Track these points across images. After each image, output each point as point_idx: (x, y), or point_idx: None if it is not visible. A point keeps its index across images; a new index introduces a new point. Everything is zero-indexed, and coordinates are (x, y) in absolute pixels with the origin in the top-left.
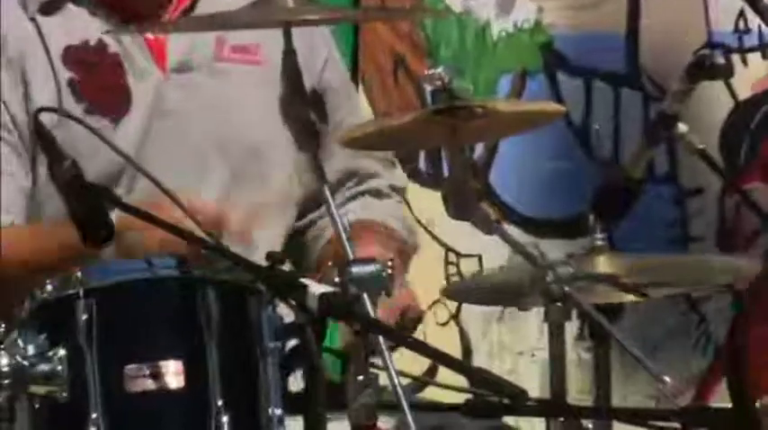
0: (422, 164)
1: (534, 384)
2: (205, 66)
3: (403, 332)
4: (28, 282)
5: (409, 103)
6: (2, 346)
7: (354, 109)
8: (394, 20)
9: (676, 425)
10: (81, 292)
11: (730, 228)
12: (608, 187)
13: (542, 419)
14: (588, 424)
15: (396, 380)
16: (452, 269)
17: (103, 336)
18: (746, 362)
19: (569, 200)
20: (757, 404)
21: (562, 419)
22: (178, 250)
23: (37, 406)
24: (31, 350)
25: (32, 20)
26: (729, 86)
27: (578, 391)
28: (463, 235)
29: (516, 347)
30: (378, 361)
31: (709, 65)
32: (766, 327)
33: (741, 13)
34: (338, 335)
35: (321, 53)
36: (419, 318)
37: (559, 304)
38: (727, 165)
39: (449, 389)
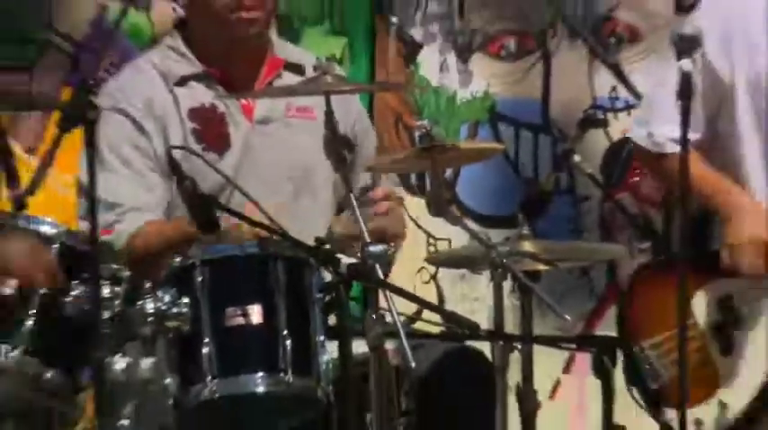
0: (413, 180)
1: (484, 321)
2: (279, 119)
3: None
4: (165, 257)
5: (405, 144)
6: (149, 297)
7: (372, 146)
8: (395, 91)
9: (573, 346)
10: (198, 262)
11: (607, 224)
12: (530, 197)
13: (488, 343)
14: (517, 346)
15: (396, 318)
16: (432, 247)
17: (212, 290)
18: (629, 311)
19: (506, 204)
20: (645, 344)
21: (501, 343)
22: (259, 237)
23: (170, 336)
24: (166, 299)
25: (171, 91)
26: (606, 133)
27: (512, 326)
28: (439, 226)
29: (473, 296)
30: (384, 305)
31: (593, 119)
32: (644, 293)
33: (614, 87)
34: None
35: (353, 112)
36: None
37: (500, 270)
38: (606, 182)
39: (430, 323)
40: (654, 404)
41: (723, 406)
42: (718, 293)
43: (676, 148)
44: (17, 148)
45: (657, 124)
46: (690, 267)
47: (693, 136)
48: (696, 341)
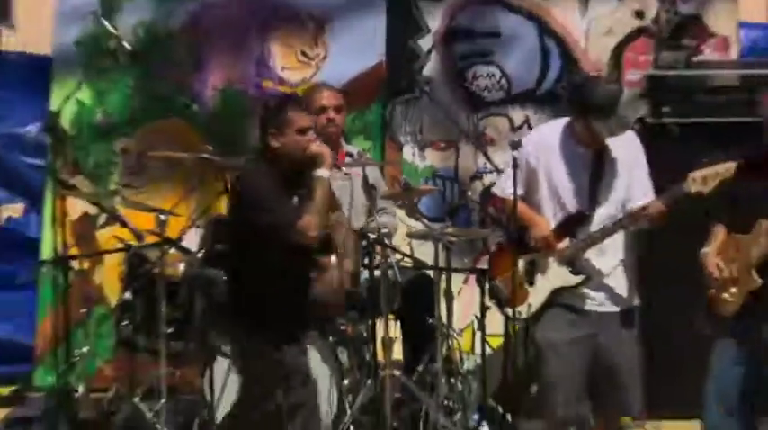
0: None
1: (431, 261)
2: (339, 176)
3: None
4: None
5: (397, 188)
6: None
7: (382, 189)
8: (394, 165)
9: (469, 271)
10: None
11: (485, 223)
12: (450, 209)
13: (432, 271)
14: (443, 271)
15: (393, 259)
16: (409, 231)
17: None
18: (492, 262)
19: (439, 212)
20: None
21: (439, 272)
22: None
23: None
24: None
25: None
26: (483, 184)
27: (444, 263)
28: (412, 222)
29: (427, 252)
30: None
31: (480, 176)
32: (499, 255)
33: (486, 162)
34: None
35: (376, 173)
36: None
37: (438, 240)
38: (482, 204)
39: (409, 262)
40: (499, 304)
41: (530, 305)
42: (529, 258)
43: (511, 196)
44: None
45: (505, 185)
46: (516, 245)
47: (520, 191)
48: (520, 278)
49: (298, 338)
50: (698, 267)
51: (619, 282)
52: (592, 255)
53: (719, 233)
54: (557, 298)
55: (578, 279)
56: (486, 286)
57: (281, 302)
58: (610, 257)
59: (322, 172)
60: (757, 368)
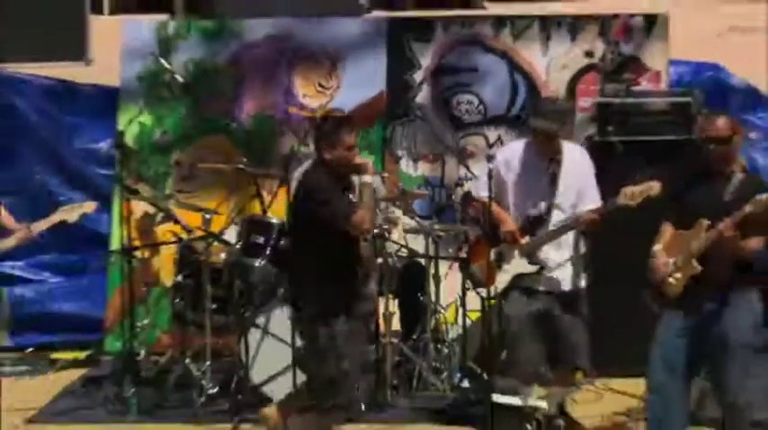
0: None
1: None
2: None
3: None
4: None
5: (397, 192)
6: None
7: (382, 193)
8: (392, 180)
9: (455, 259)
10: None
11: (466, 220)
12: (437, 209)
13: (424, 259)
14: (432, 259)
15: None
16: (405, 227)
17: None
18: (471, 253)
19: (429, 211)
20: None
21: (429, 259)
22: None
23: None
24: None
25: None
26: (463, 189)
27: (432, 251)
28: (408, 220)
29: (420, 242)
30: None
31: (462, 183)
32: (476, 245)
33: (467, 171)
34: None
35: (378, 180)
36: None
37: (429, 234)
38: (463, 205)
39: (404, 251)
40: (475, 284)
41: (496, 287)
42: (498, 249)
43: (486, 199)
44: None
45: (480, 190)
46: (489, 238)
47: (492, 195)
48: (491, 264)
49: (343, 312)
50: (647, 254)
51: (566, 272)
52: (549, 248)
53: (668, 230)
54: (517, 281)
55: (534, 268)
56: (466, 271)
57: (331, 281)
58: (564, 251)
59: (367, 178)
60: (698, 339)
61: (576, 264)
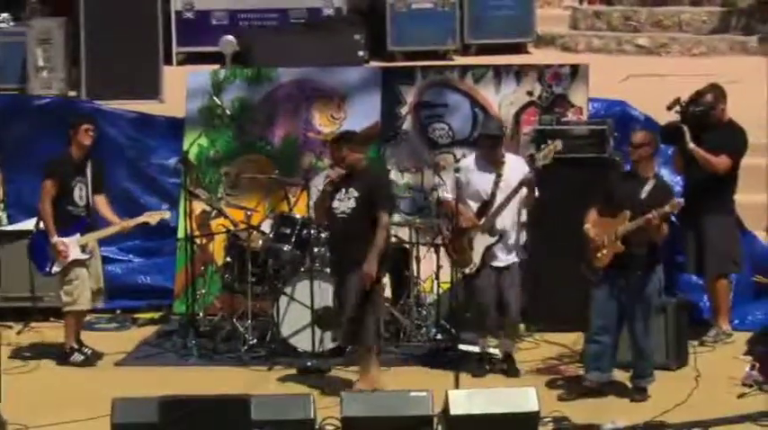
0: None
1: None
2: None
3: None
4: None
5: None
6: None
7: None
8: None
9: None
10: None
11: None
12: (418, 208)
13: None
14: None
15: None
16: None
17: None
18: (451, 241)
19: (413, 209)
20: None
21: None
22: None
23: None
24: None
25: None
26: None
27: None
28: (396, 216)
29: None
30: None
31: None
32: (453, 236)
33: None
34: None
35: None
36: None
37: (412, 227)
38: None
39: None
40: (460, 266)
41: (474, 264)
42: (467, 235)
43: (451, 200)
44: None
45: (445, 193)
46: (458, 229)
47: (454, 196)
48: (466, 246)
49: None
50: (579, 233)
51: (510, 242)
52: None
53: (592, 215)
54: (485, 258)
55: (494, 239)
56: (445, 255)
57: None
58: (508, 221)
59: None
60: (622, 301)
61: (518, 236)
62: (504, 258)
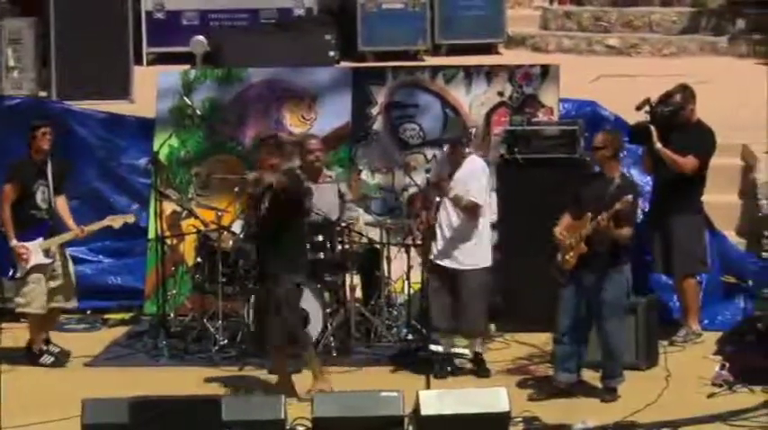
0: None
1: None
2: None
3: None
4: None
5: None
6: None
7: (349, 196)
8: None
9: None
10: None
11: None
12: (390, 209)
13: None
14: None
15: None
16: (365, 221)
17: None
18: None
19: (384, 209)
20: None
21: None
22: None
23: None
24: None
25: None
26: None
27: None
28: (368, 216)
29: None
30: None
31: None
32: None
33: None
34: None
35: (345, 187)
36: None
37: (383, 227)
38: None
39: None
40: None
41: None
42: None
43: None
44: None
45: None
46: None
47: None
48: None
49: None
50: (549, 234)
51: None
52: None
53: (566, 219)
54: (434, 260)
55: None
56: (416, 255)
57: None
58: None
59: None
60: (588, 301)
61: (466, 245)
62: (454, 262)
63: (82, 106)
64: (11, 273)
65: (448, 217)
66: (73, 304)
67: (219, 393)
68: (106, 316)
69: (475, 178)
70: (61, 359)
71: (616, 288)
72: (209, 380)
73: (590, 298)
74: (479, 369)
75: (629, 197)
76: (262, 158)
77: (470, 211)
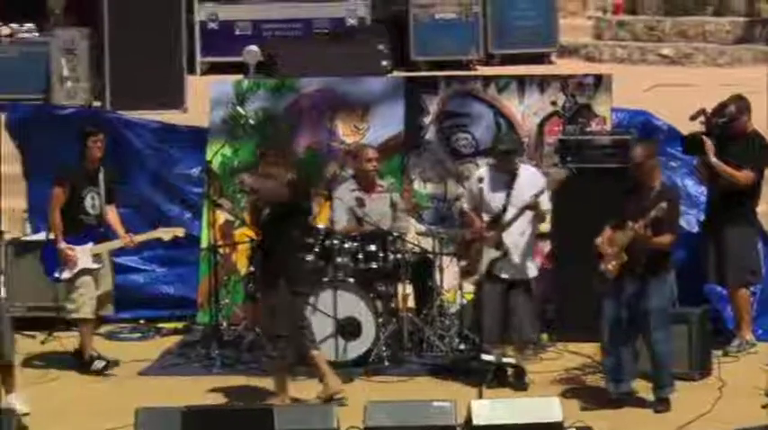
0: None
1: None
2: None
3: None
4: None
5: None
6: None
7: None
8: None
9: None
10: None
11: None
12: (441, 218)
13: None
14: None
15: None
16: (417, 230)
17: None
18: (464, 250)
19: (436, 219)
20: None
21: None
22: None
23: None
24: None
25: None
26: None
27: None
28: (420, 225)
29: None
30: None
31: None
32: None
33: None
34: None
35: (397, 196)
36: None
37: (435, 236)
38: None
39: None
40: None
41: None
42: (476, 246)
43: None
44: None
45: (465, 203)
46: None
47: (472, 205)
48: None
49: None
50: (593, 245)
51: (518, 257)
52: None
53: (607, 231)
54: (490, 271)
55: (499, 254)
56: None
57: None
58: (516, 237)
59: None
60: (632, 310)
61: (529, 257)
62: (511, 272)
63: (135, 116)
64: (56, 275)
65: (512, 228)
66: (109, 311)
67: (272, 403)
68: (159, 325)
69: (537, 185)
70: (111, 365)
71: (659, 296)
72: (261, 389)
73: (633, 307)
74: (516, 382)
75: (664, 204)
76: (260, 167)
77: (541, 219)
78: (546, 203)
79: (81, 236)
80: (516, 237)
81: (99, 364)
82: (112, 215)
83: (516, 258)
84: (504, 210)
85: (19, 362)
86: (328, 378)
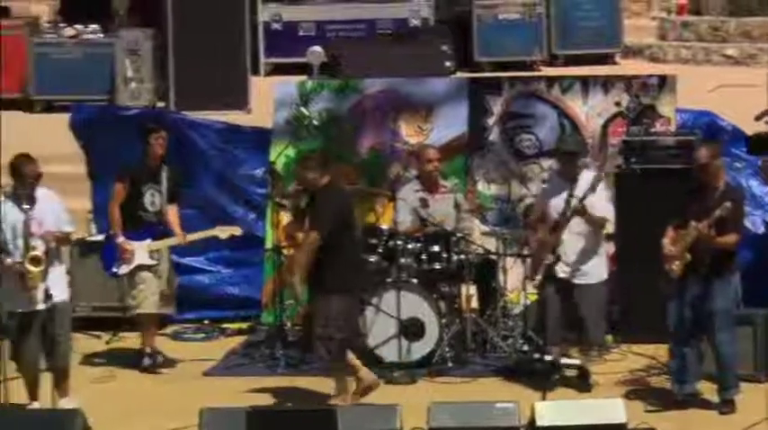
0: None
1: None
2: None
3: None
4: None
5: None
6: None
7: (465, 206)
8: None
9: None
10: None
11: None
12: (505, 219)
13: None
14: None
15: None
16: (481, 231)
17: None
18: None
19: (500, 220)
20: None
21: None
22: None
23: None
24: None
25: None
26: None
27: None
28: (483, 226)
29: None
30: None
31: None
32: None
33: None
34: None
35: (461, 197)
36: None
37: (499, 237)
38: None
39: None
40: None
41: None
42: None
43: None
44: None
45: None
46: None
47: (539, 209)
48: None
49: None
50: (659, 248)
51: (579, 260)
52: (570, 244)
53: (670, 231)
54: (546, 274)
55: (552, 259)
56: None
57: None
58: (573, 240)
59: None
60: (697, 311)
61: (591, 259)
62: (570, 274)
63: (199, 117)
64: (114, 269)
65: (569, 231)
66: (171, 310)
67: (334, 402)
68: (224, 325)
69: (597, 193)
70: (159, 364)
71: (723, 297)
72: (324, 390)
73: (698, 308)
74: (580, 383)
75: (729, 204)
76: (299, 171)
77: (601, 226)
78: (598, 209)
79: (140, 232)
80: (573, 240)
81: (146, 362)
82: (172, 214)
83: (574, 260)
84: (564, 214)
85: (82, 361)
86: (361, 372)
